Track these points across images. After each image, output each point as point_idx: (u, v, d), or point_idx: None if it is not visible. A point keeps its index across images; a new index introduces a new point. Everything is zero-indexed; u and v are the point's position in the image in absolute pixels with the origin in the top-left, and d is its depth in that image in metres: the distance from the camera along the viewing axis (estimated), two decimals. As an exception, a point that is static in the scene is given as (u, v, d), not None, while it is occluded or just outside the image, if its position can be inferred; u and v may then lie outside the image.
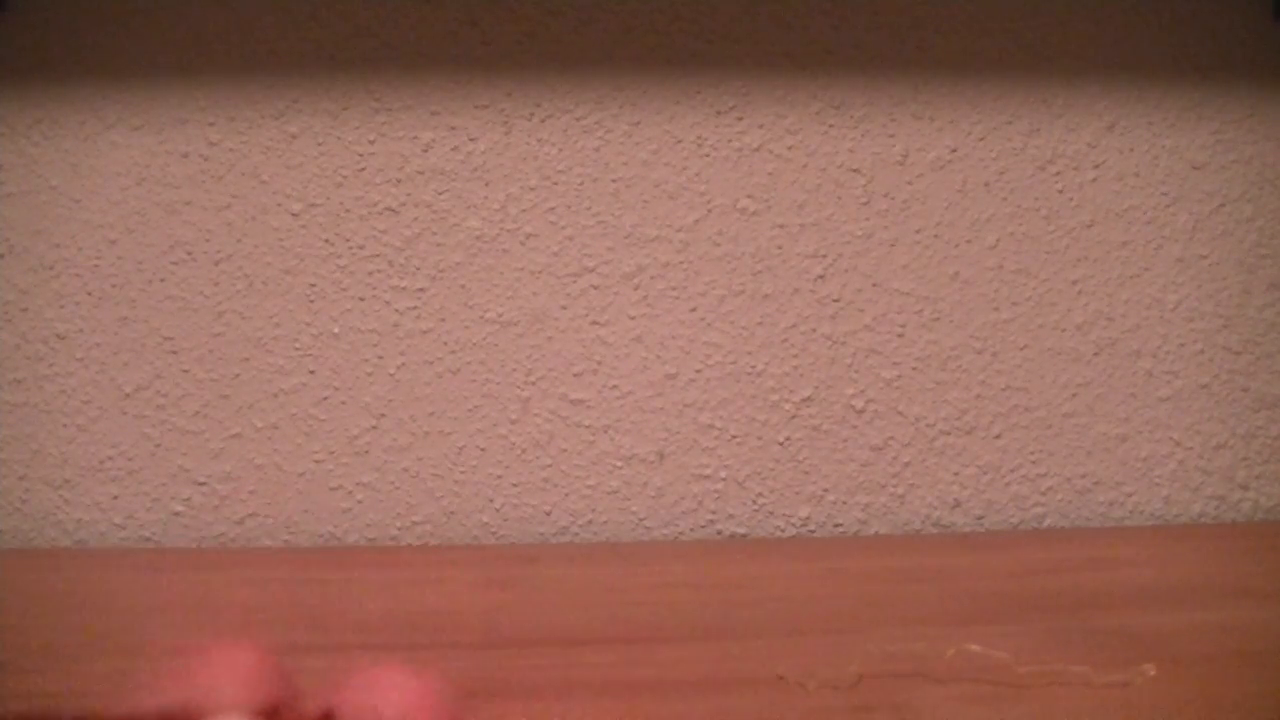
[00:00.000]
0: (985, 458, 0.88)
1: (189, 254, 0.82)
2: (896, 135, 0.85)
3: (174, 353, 0.83)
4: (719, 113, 0.84)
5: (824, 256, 0.86)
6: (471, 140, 0.83)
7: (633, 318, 0.85)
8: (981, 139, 0.86)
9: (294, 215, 0.83)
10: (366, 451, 0.84)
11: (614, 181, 0.84)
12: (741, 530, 0.87)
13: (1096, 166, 0.87)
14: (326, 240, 0.83)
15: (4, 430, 0.83)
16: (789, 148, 0.85)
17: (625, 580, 0.74)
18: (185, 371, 0.83)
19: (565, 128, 0.83)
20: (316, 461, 0.84)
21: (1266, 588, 0.72)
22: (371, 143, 0.83)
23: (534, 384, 0.85)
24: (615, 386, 0.85)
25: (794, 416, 0.87)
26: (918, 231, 0.86)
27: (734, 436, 0.86)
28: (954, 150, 0.86)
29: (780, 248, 0.85)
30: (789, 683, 0.58)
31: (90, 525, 0.84)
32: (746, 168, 0.85)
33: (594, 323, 0.85)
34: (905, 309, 0.87)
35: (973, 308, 0.87)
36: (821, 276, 0.86)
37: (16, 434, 0.83)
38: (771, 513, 0.87)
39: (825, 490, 0.87)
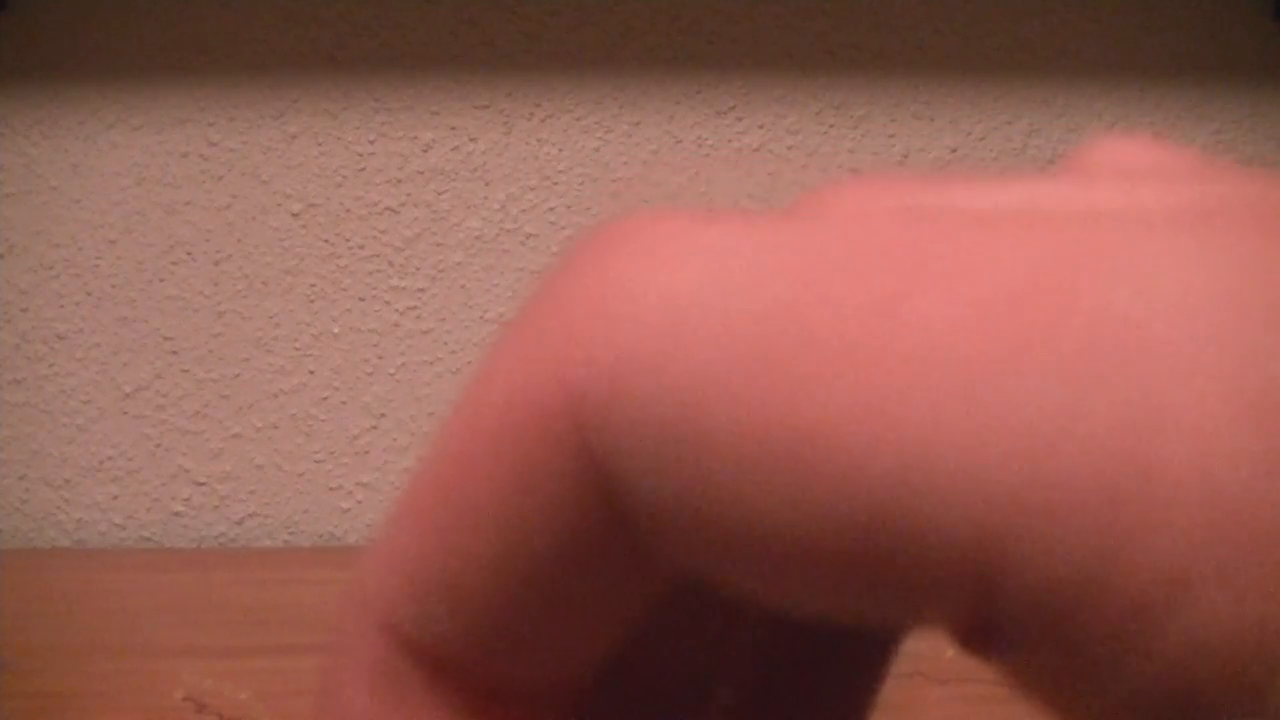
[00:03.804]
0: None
1: (189, 254, 0.82)
2: (896, 135, 0.85)
3: (174, 353, 0.83)
4: (719, 113, 0.84)
5: (824, 256, 0.86)
6: (471, 140, 0.83)
7: (633, 318, 0.85)
8: (981, 139, 0.86)
9: (294, 215, 0.83)
10: (366, 451, 0.84)
11: (614, 181, 0.84)
12: (741, 530, 0.87)
13: (1096, 166, 0.87)
14: (326, 240, 0.83)
15: (4, 430, 0.83)
16: (789, 148, 0.85)
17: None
18: (185, 371, 0.83)
19: (565, 128, 0.83)
20: (316, 461, 0.84)
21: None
22: (371, 143, 0.83)
23: (534, 384, 0.85)
24: (615, 386, 0.85)
25: (794, 416, 0.87)
26: (918, 231, 0.86)
27: (734, 436, 0.86)
28: (954, 150, 0.86)
29: (780, 248, 0.85)
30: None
31: (90, 525, 0.84)
32: (746, 168, 0.85)
33: (594, 323, 0.85)
34: (905, 309, 0.87)
35: (973, 308, 0.87)
36: (821, 276, 0.86)
37: (16, 434, 0.83)
38: (771, 513, 0.87)
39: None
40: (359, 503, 0.85)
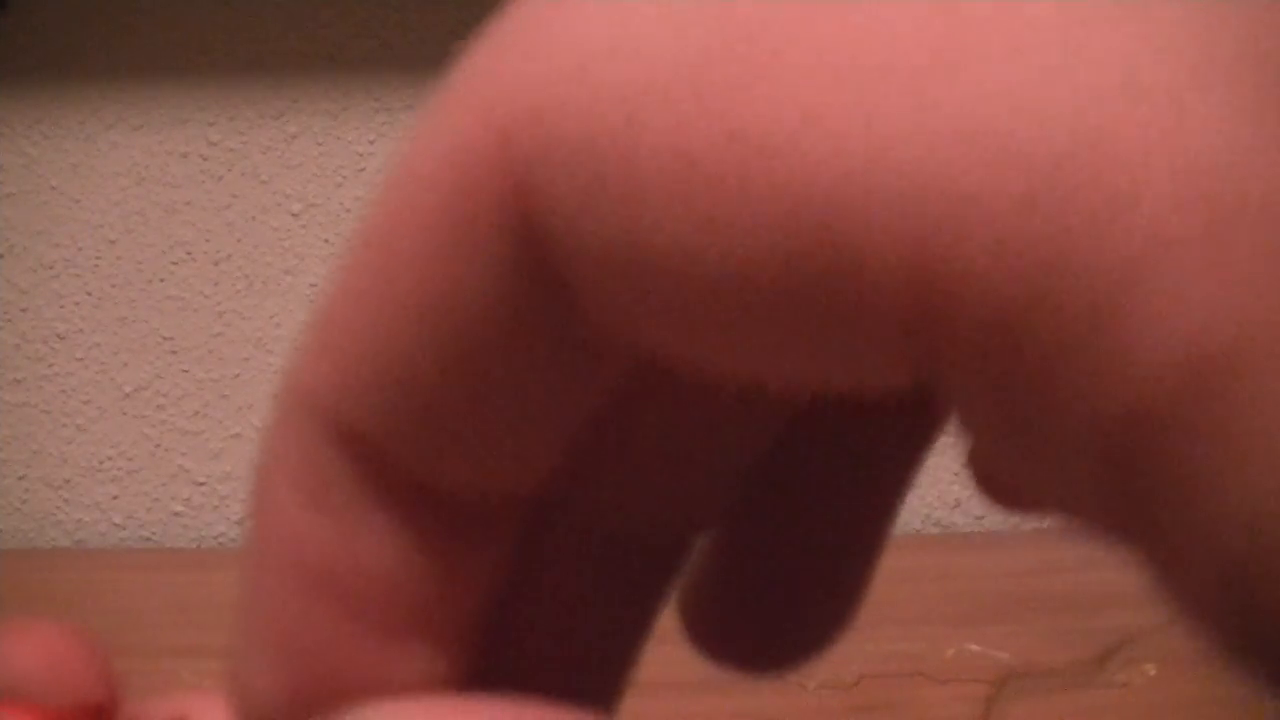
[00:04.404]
0: (985, 458, 0.88)
1: (189, 254, 0.82)
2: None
3: (174, 353, 0.83)
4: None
5: (824, 256, 0.86)
6: (471, 140, 0.83)
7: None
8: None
9: (294, 215, 0.83)
10: (366, 451, 0.84)
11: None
12: (741, 530, 0.87)
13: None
14: (326, 240, 0.83)
15: (4, 430, 0.83)
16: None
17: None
18: (185, 371, 0.83)
19: (565, 128, 0.83)
20: (316, 461, 0.84)
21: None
22: (371, 143, 0.83)
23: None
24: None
25: (794, 416, 0.87)
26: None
27: (734, 436, 0.86)
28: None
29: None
30: (789, 683, 0.58)
31: (90, 525, 0.84)
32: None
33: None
34: (905, 309, 0.87)
35: (973, 308, 0.87)
36: (821, 276, 0.86)
37: (16, 434, 0.83)
38: (771, 513, 0.87)
39: (825, 490, 0.87)
40: (359, 503, 0.85)
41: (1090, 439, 0.12)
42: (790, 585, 0.19)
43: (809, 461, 0.18)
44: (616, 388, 0.15)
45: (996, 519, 0.89)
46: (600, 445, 0.17)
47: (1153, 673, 0.59)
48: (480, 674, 0.16)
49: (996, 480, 0.16)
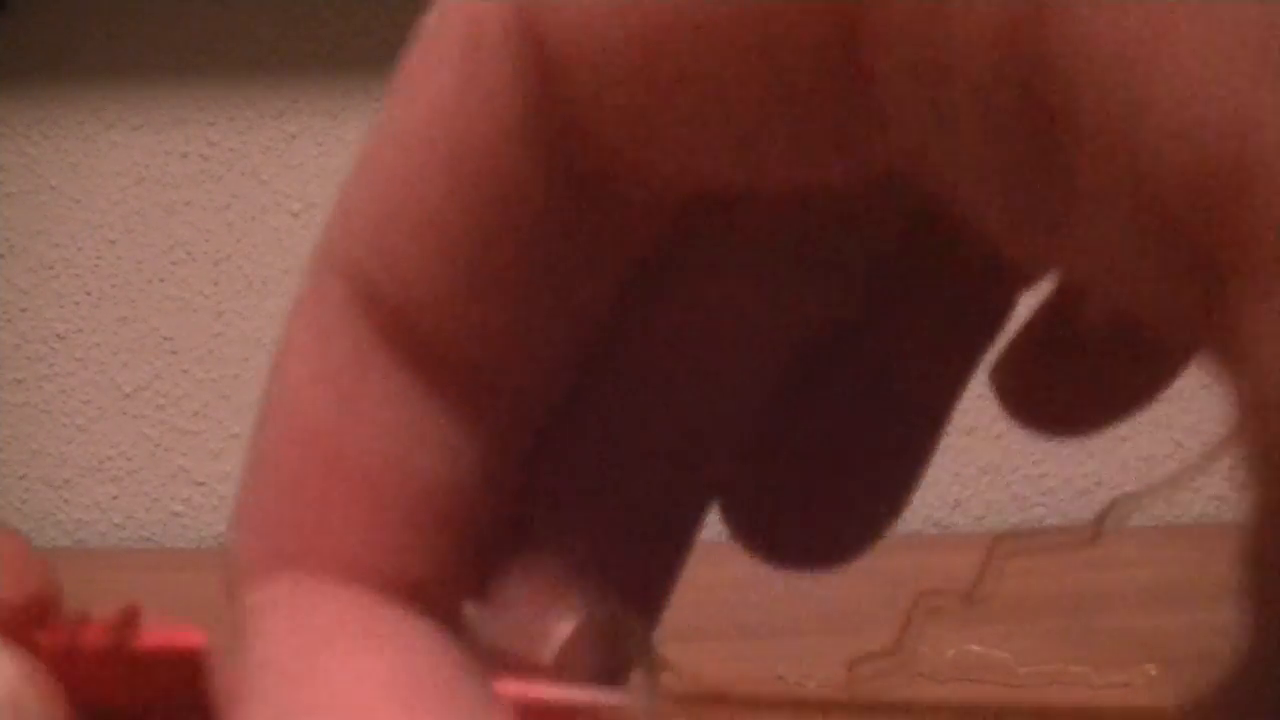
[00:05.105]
0: (985, 458, 0.88)
1: (189, 254, 0.82)
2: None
3: (174, 353, 0.83)
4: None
5: (824, 256, 0.86)
6: (471, 140, 0.83)
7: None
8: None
9: (294, 215, 0.83)
10: (366, 451, 0.84)
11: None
12: (741, 530, 0.87)
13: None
14: (326, 240, 0.83)
15: (4, 430, 0.83)
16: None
17: (625, 580, 0.74)
18: (185, 371, 0.83)
19: (565, 128, 0.83)
20: (316, 461, 0.84)
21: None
22: (371, 143, 0.83)
23: (534, 384, 0.85)
24: (615, 386, 0.85)
25: (794, 416, 0.86)
26: (918, 231, 0.86)
27: (734, 436, 0.86)
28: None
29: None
30: (789, 683, 0.58)
31: (90, 525, 0.84)
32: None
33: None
34: (905, 309, 0.86)
35: (973, 308, 0.87)
36: (821, 276, 0.86)
37: (16, 434, 0.83)
38: (771, 513, 0.87)
39: (825, 490, 0.87)
40: (359, 503, 0.85)
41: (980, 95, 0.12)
42: (839, 479, 0.19)
43: (859, 359, 0.18)
44: (633, 272, 0.15)
45: (996, 519, 0.89)
46: (631, 345, 0.16)
47: (1153, 673, 0.59)
48: (494, 569, 0.16)
49: (1018, 393, 0.16)
